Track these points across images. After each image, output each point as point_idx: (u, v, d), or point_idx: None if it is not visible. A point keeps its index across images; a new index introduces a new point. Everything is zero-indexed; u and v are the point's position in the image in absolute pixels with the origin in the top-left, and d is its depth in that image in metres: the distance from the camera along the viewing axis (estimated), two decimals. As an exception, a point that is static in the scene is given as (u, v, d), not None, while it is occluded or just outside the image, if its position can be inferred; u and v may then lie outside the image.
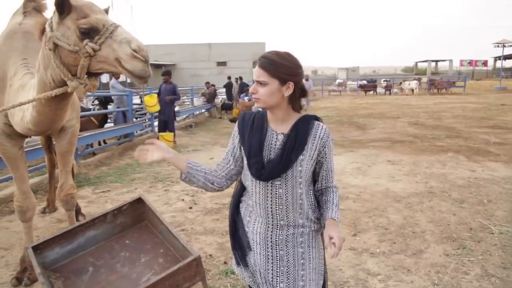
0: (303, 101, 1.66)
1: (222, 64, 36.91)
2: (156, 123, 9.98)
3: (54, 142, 4.12)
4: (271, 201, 1.59)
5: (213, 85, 18.00)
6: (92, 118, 8.02)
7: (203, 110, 16.53)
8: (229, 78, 19.58)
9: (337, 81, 36.60)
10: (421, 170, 6.32)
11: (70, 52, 2.03)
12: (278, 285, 1.63)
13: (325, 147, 1.59)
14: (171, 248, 2.08)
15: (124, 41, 1.95)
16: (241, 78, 19.15)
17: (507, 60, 46.46)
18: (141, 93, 10.75)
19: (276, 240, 1.62)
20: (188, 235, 3.92)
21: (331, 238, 1.48)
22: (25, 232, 3.16)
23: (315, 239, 1.67)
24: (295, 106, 1.61)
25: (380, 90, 30.42)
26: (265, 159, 1.57)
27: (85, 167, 6.63)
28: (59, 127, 2.85)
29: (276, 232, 1.62)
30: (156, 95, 9.14)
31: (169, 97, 9.24)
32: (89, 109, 9.05)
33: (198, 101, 16.52)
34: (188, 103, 16.31)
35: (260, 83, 1.52)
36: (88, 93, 6.95)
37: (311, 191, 1.67)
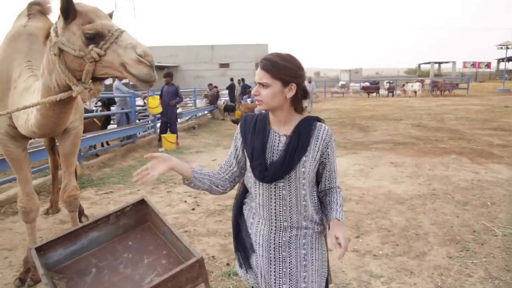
0: (306, 103, 1.66)
1: (225, 66, 36.96)
2: (159, 125, 10.01)
3: (57, 144, 4.13)
4: (275, 202, 1.59)
5: (216, 87, 18.03)
6: (95, 119, 8.04)
7: (205, 112, 16.55)
8: (231, 80, 19.61)
9: (340, 82, 36.58)
10: (424, 172, 6.30)
11: (75, 57, 2.04)
12: (280, 287, 1.62)
13: (327, 148, 1.59)
14: (173, 250, 2.08)
15: (129, 46, 1.96)
16: (243, 80, 19.17)
17: (510, 62, 46.30)
18: (144, 95, 10.79)
19: (279, 242, 1.62)
20: (191, 236, 3.92)
21: (337, 238, 1.48)
22: (28, 233, 3.17)
23: (318, 241, 1.67)
24: (297, 108, 1.61)
25: (382, 92, 30.38)
26: (268, 161, 1.57)
27: (88, 168, 6.65)
28: (62, 129, 2.86)
29: (279, 233, 1.62)
30: (158, 97, 9.18)
31: (174, 101, 9.36)
32: (92, 111, 9.07)
33: (201, 102, 16.54)
34: (191, 104, 16.33)
35: (263, 85, 1.52)
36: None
37: (314, 192, 1.66)
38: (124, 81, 9.23)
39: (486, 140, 9.00)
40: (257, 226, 1.67)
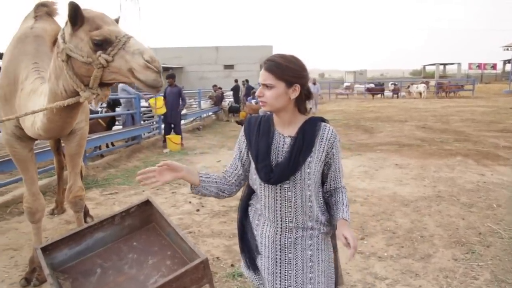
0: (311, 104, 1.66)
1: (229, 67, 36.99)
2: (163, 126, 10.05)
3: (63, 144, 4.16)
4: (280, 204, 1.59)
5: (220, 88, 18.06)
6: (100, 120, 8.08)
7: (210, 113, 16.58)
8: (236, 81, 19.64)
9: (345, 84, 36.49)
10: (429, 174, 6.27)
11: (83, 63, 2.05)
12: None
13: (332, 148, 1.59)
14: (178, 251, 2.08)
15: (137, 52, 1.97)
16: (247, 81, 19.19)
17: (516, 63, 46.07)
18: (147, 96, 10.87)
19: (285, 243, 1.62)
20: (195, 237, 3.93)
21: (345, 238, 1.48)
22: (34, 233, 3.19)
23: (324, 242, 1.66)
24: (301, 109, 1.61)
25: (387, 93, 30.28)
26: (273, 162, 1.57)
27: (93, 169, 6.68)
28: (68, 132, 2.88)
29: (285, 235, 1.62)
30: (162, 98, 9.22)
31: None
32: (97, 112, 9.12)
33: (205, 104, 16.57)
34: (195, 106, 16.37)
35: (267, 86, 1.53)
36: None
37: (320, 193, 1.66)
38: (129, 81, 9.26)
39: (492, 142, 8.95)
40: (263, 228, 1.67)
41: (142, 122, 9.67)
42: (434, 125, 12.21)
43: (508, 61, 40.17)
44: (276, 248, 1.63)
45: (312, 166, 1.56)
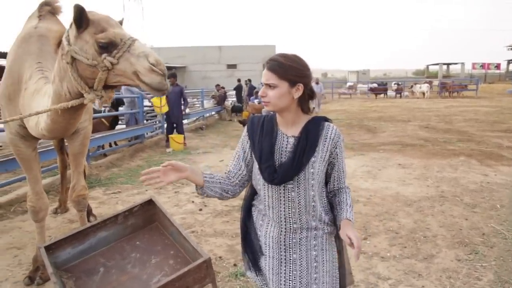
0: (314, 104, 1.66)
1: (232, 66, 37.01)
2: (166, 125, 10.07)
3: (66, 144, 4.17)
4: (284, 204, 1.58)
5: (223, 88, 18.06)
6: (103, 119, 8.10)
7: (213, 113, 16.59)
8: (239, 80, 19.64)
9: (347, 84, 36.43)
10: (432, 174, 6.26)
11: (88, 66, 2.05)
12: None
13: (336, 148, 1.59)
14: (181, 250, 2.08)
15: (142, 55, 1.97)
16: (250, 81, 19.18)
17: (520, 63, 45.86)
18: (149, 96, 10.89)
19: (289, 243, 1.62)
20: (198, 237, 3.93)
21: (349, 238, 1.48)
22: (37, 232, 3.20)
23: (328, 242, 1.66)
24: (305, 108, 1.60)
25: (390, 93, 30.21)
26: (277, 163, 1.56)
27: (96, 168, 6.70)
28: (72, 132, 2.89)
29: (289, 235, 1.61)
30: (164, 96, 9.22)
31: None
32: (100, 111, 9.15)
33: (208, 103, 16.58)
34: (198, 105, 16.38)
35: (269, 86, 1.52)
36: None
37: (323, 193, 1.66)
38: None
39: (495, 142, 8.91)
40: (267, 228, 1.66)
41: (145, 121, 9.69)
42: (437, 125, 12.17)
43: (512, 61, 40.01)
44: (280, 248, 1.63)
45: (316, 166, 1.55)
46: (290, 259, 1.62)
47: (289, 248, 1.62)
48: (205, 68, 36.73)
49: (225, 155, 8.27)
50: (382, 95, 29.83)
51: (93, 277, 1.99)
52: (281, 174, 1.53)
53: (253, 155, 1.64)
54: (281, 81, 1.50)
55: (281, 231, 1.62)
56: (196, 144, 10.02)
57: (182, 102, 9.51)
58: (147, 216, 2.24)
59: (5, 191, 5.27)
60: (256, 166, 1.62)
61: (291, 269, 1.62)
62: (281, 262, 1.63)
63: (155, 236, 2.20)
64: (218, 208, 4.76)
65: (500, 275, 3.11)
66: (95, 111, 8.28)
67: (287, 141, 1.58)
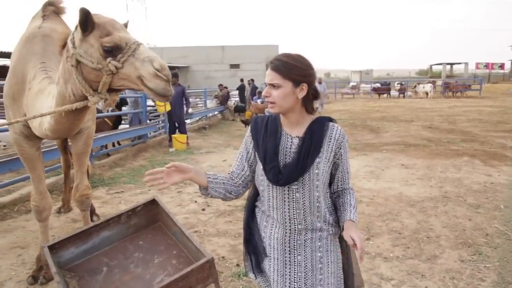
0: (317, 104, 1.65)
1: (235, 66, 37.02)
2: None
3: (70, 143, 4.18)
4: (288, 205, 1.57)
5: (226, 87, 18.07)
6: (106, 119, 8.12)
7: (216, 112, 16.61)
8: (241, 80, 19.65)
9: (351, 83, 36.37)
10: (436, 174, 6.24)
11: (93, 69, 2.06)
12: None
13: (340, 148, 1.58)
14: (184, 250, 2.08)
15: (146, 60, 1.97)
16: (252, 80, 19.19)
17: (524, 63, 45.64)
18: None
19: (294, 245, 1.60)
20: (201, 236, 3.93)
21: (352, 239, 1.47)
22: (41, 231, 3.21)
23: (333, 243, 1.65)
24: (309, 108, 1.59)
25: (393, 93, 30.15)
26: (281, 163, 1.55)
27: (100, 168, 6.71)
28: (75, 132, 2.90)
29: (294, 237, 1.60)
30: None
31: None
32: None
33: (211, 103, 16.60)
34: (201, 105, 16.39)
35: (274, 86, 1.51)
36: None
37: (328, 193, 1.64)
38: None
39: (499, 142, 8.88)
40: (271, 229, 1.64)
41: (148, 121, 9.71)
42: (440, 125, 12.14)
43: (516, 60, 39.82)
44: (285, 250, 1.61)
45: (321, 167, 1.54)
46: (295, 261, 1.60)
47: (294, 249, 1.60)
48: (208, 68, 36.76)
49: (228, 155, 8.28)
50: (385, 95, 29.78)
51: (96, 277, 1.99)
52: (286, 175, 1.52)
53: (256, 156, 1.63)
54: (285, 81, 1.49)
55: (286, 232, 1.60)
56: (199, 144, 10.03)
57: (184, 102, 9.51)
58: (150, 216, 2.25)
59: (8, 190, 5.29)
60: (259, 166, 1.61)
61: (296, 271, 1.60)
62: (285, 263, 1.61)
63: (158, 236, 2.20)
64: (221, 208, 4.76)
65: (504, 276, 3.10)
66: (98, 111, 8.31)
67: (291, 142, 1.57)
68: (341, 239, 1.68)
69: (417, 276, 3.13)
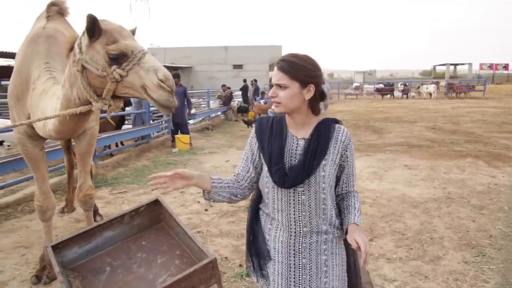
0: (321, 105, 1.63)
1: (238, 67, 37.03)
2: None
3: (73, 143, 4.20)
4: (294, 207, 1.55)
5: (229, 88, 18.08)
6: (109, 119, 8.14)
7: (219, 113, 16.61)
8: (244, 81, 19.66)
9: (354, 84, 36.30)
10: (439, 175, 6.22)
11: (97, 76, 2.07)
12: None
13: (346, 151, 1.56)
14: (187, 250, 2.08)
15: (151, 69, 1.98)
16: (255, 81, 19.19)
17: (529, 64, 45.41)
18: None
19: (299, 248, 1.58)
20: (204, 237, 3.94)
21: (356, 242, 1.46)
22: (44, 231, 3.22)
23: (338, 246, 1.63)
24: (315, 110, 1.57)
25: (397, 93, 30.07)
26: (287, 165, 1.52)
27: (103, 168, 6.73)
28: (79, 133, 2.91)
29: (299, 239, 1.57)
30: None
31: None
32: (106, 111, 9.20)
33: (214, 103, 16.60)
34: (204, 105, 16.41)
35: (280, 86, 1.49)
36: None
37: (334, 196, 1.63)
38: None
39: (503, 143, 8.84)
40: (276, 232, 1.62)
41: (151, 121, 9.73)
42: (444, 126, 12.10)
43: (521, 61, 39.64)
44: (290, 253, 1.59)
45: (327, 169, 1.52)
46: (299, 264, 1.58)
47: (299, 253, 1.58)
48: (211, 69, 36.79)
49: (231, 155, 8.28)
50: (388, 96, 29.71)
51: (99, 277, 2.00)
52: (292, 177, 1.49)
53: (261, 157, 1.60)
54: (292, 82, 1.47)
55: (291, 235, 1.58)
56: (202, 144, 10.04)
57: (186, 103, 9.52)
58: (153, 216, 2.25)
59: (12, 190, 5.32)
60: (264, 168, 1.59)
61: (300, 274, 1.58)
62: (289, 266, 1.59)
63: (161, 236, 2.21)
64: (223, 209, 4.76)
65: (508, 277, 3.09)
66: (102, 111, 8.32)
67: (297, 143, 1.55)
68: (347, 242, 1.67)
69: (420, 277, 3.12)
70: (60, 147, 4.84)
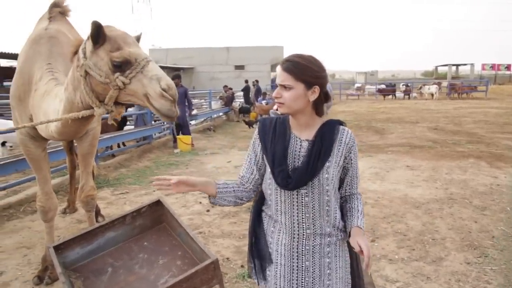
0: (324, 106, 1.62)
1: (240, 67, 37.03)
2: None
3: (75, 144, 4.20)
4: (297, 209, 1.53)
5: (231, 89, 18.08)
6: (111, 120, 8.14)
7: (221, 114, 16.62)
8: (246, 81, 19.65)
9: (356, 85, 36.26)
10: (441, 176, 6.21)
11: (100, 82, 2.07)
12: None
13: (350, 153, 1.56)
14: (189, 251, 2.08)
15: (154, 78, 1.99)
16: (257, 82, 19.19)
17: (531, 64, 45.29)
18: None
19: (302, 251, 1.56)
20: (206, 238, 3.94)
21: (359, 246, 1.45)
22: (46, 231, 3.23)
23: (341, 248, 1.62)
24: (319, 111, 1.56)
25: (399, 94, 30.02)
26: (290, 167, 1.51)
27: (105, 168, 6.74)
28: (81, 135, 2.92)
29: (302, 242, 1.56)
30: None
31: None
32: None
33: (216, 104, 16.60)
34: (206, 106, 16.41)
35: (285, 87, 1.47)
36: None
37: (338, 198, 1.62)
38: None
39: (505, 144, 8.82)
40: (279, 235, 1.60)
41: (153, 122, 9.74)
42: (446, 127, 12.08)
43: (523, 62, 39.53)
44: (293, 256, 1.57)
45: (330, 171, 1.50)
46: (303, 267, 1.57)
47: (302, 255, 1.56)
48: (213, 69, 36.80)
49: (233, 156, 8.28)
50: (390, 97, 29.66)
51: (101, 277, 2.00)
52: (296, 179, 1.48)
53: (264, 158, 1.59)
54: (297, 83, 1.46)
55: (294, 237, 1.56)
56: (204, 145, 10.04)
57: (186, 103, 9.53)
58: (155, 216, 2.25)
59: (15, 191, 5.33)
60: (267, 169, 1.58)
61: (303, 276, 1.57)
62: (292, 269, 1.57)
63: (163, 237, 2.20)
64: (225, 210, 4.76)
65: (510, 278, 3.08)
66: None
67: (301, 145, 1.53)
68: (350, 245, 1.67)
69: (422, 278, 3.12)
70: (62, 148, 4.85)
